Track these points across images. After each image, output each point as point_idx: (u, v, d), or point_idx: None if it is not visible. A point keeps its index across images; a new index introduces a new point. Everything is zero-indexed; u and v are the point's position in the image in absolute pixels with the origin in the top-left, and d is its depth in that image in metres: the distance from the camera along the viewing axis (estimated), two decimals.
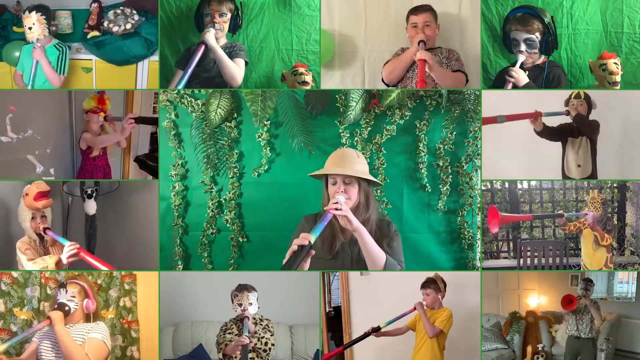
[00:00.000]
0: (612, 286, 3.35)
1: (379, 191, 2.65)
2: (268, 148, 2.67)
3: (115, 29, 2.86)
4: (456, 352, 2.64)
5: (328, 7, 2.91)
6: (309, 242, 1.72)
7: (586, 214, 2.93)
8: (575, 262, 3.51)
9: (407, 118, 2.65)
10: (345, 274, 2.93)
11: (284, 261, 1.71)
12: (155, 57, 2.88)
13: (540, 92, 2.71)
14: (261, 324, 2.44)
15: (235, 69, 2.64)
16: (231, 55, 2.66)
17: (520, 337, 3.21)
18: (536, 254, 3.60)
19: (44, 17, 2.74)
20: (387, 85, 2.83)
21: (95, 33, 2.93)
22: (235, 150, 2.69)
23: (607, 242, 2.92)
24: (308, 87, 2.65)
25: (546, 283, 3.42)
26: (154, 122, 3.06)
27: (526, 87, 2.58)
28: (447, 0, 2.86)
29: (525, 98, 2.85)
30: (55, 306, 2.22)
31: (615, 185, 3.69)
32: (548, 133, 2.83)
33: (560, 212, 3.12)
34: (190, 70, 2.52)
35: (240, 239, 2.70)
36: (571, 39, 2.79)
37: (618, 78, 2.63)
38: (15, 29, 2.97)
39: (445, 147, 2.66)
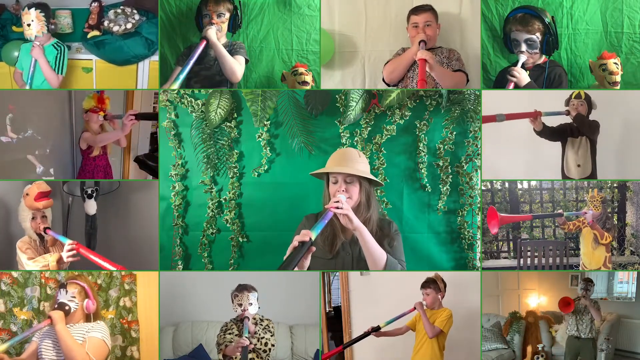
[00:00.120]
0: (612, 286, 3.35)
1: (379, 191, 2.65)
2: (268, 148, 2.67)
3: (115, 28, 2.86)
4: (456, 352, 2.64)
5: (328, 7, 2.92)
6: (310, 238, 1.73)
7: (586, 213, 2.93)
8: (576, 262, 3.51)
9: (407, 118, 2.65)
10: (345, 273, 2.93)
11: (285, 257, 1.71)
12: (156, 57, 2.88)
13: (540, 92, 2.72)
14: (261, 324, 2.44)
15: (236, 65, 2.65)
16: (231, 53, 2.67)
17: (520, 337, 3.21)
18: (536, 254, 3.60)
19: (43, 14, 2.73)
20: (388, 85, 2.83)
21: (96, 33, 2.93)
22: (235, 150, 2.69)
23: (606, 240, 2.92)
24: (308, 87, 2.65)
25: (546, 283, 3.42)
26: (154, 117, 3.05)
27: (527, 87, 2.58)
28: (447, 0, 2.86)
29: (525, 98, 2.85)
30: (56, 306, 2.22)
31: (615, 185, 3.69)
32: (548, 133, 2.83)
33: (559, 211, 3.12)
34: (191, 63, 2.51)
35: (240, 239, 2.70)
36: (571, 39, 2.79)
37: (618, 78, 2.63)
38: (14, 28, 2.97)
39: (445, 147, 2.66)
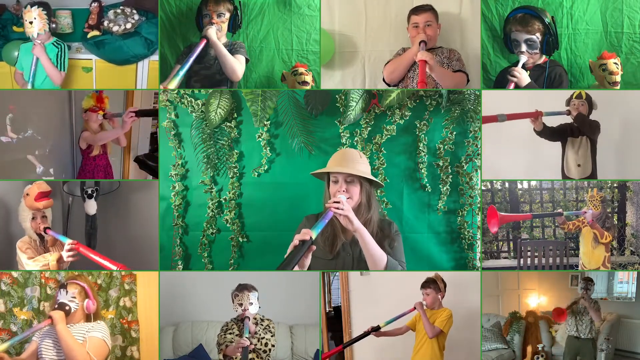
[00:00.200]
0: (612, 286, 3.35)
1: (379, 191, 2.65)
2: (268, 148, 2.67)
3: (115, 28, 2.86)
4: (456, 352, 2.64)
5: (328, 7, 2.91)
6: (310, 237, 1.73)
7: (585, 212, 2.93)
8: (576, 262, 3.51)
9: (407, 118, 2.65)
10: (345, 274, 2.93)
11: (285, 256, 1.72)
12: (155, 57, 2.89)
13: (540, 92, 2.71)
14: (262, 324, 2.44)
15: (236, 63, 2.65)
16: (232, 52, 2.67)
17: (520, 337, 3.21)
18: (536, 254, 3.60)
19: (45, 12, 2.74)
20: (388, 85, 2.83)
21: (95, 33, 2.93)
22: (235, 150, 2.69)
23: (606, 239, 2.92)
24: (308, 87, 2.65)
25: (546, 283, 3.42)
26: (154, 114, 3.04)
27: (528, 87, 2.58)
28: (447, 0, 2.86)
29: (525, 98, 2.85)
30: (56, 306, 2.22)
31: (615, 185, 3.69)
32: (548, 133, 2.83)
33: (559, 210, 3.12)
34: (191, 60, 2.51)
35: (240, 239, 2.70)
36: (571, 39, 2.79)
37: (618, 78, 2.63)
38: (15, 28, 2.97)
39: (445, 147, 2.66)
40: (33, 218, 2.47)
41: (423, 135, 2.65)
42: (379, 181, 2.28)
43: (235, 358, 2.30)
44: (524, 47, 2.63)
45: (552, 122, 2.84)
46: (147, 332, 2.67)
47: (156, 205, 2.71)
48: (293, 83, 2.66)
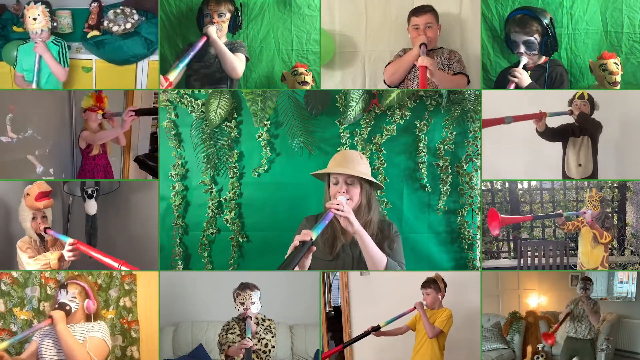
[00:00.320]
0: (612, 286, 3.35)
1: (379, 191, 2.65)
2: (268, 148, 2.67)
3: (115, 28, 2.86)
4: (456, 352, 2.64)
5: (328, 7, 2.91)
6: (311, 238, 1.73)
7: (585, 213, 2.93)
8: (575, 262, 3.51)
9: (407, 118, 2.65)
10: (345, 274, 2.93)
11: (286, 257, 1.72)
12: (155, 57, 2.89)
13: (540, 92, 2.71)
14: (263, 324, 2.43)
15: (236, 61, 2.65)
16: (232, 51, 2.67)
17: (520, 337, 3.21)
18: (536, 254, 3.60)
19: (48, 10, 2.75)
20: (389, 86, 2.83)
21: (95, 33, 2.93)
22: (235, 150, 2.69)
23: (606, 239, 2.93)
24: (308, 87, 2.65)
25: (546, 283, 3.42)
26: (154, 112, 3.04)
27: (529, 87, 2.58)
28: (447, 1, 2.86)
29: (526, 98, 2.85)
30: (56, 306, 2.22)
31: (615, 185, 3.69)
32: (549, 134, 2.83)
33: (559, 211, 3.12)
34: (191, 55, 2.51)
35: (240, 239, 2.70)
36: (571, 39, 2.79)
37: (618, 78, 2.63)
38: (15, 28, 2.97)
39: (445, 147, 2.66)
40: (33, 218, 2.47)
41: (423, 135, 2.65)
42: (379, 183, 2.27)
43: (238, 359, 2.30)
44: (522, 48, 2.63)
45: (553, 122, 2.84)
46: (147, 332, 2.67)
47: (156, 205, 2.71)
48: (293, 83, 2.66)
